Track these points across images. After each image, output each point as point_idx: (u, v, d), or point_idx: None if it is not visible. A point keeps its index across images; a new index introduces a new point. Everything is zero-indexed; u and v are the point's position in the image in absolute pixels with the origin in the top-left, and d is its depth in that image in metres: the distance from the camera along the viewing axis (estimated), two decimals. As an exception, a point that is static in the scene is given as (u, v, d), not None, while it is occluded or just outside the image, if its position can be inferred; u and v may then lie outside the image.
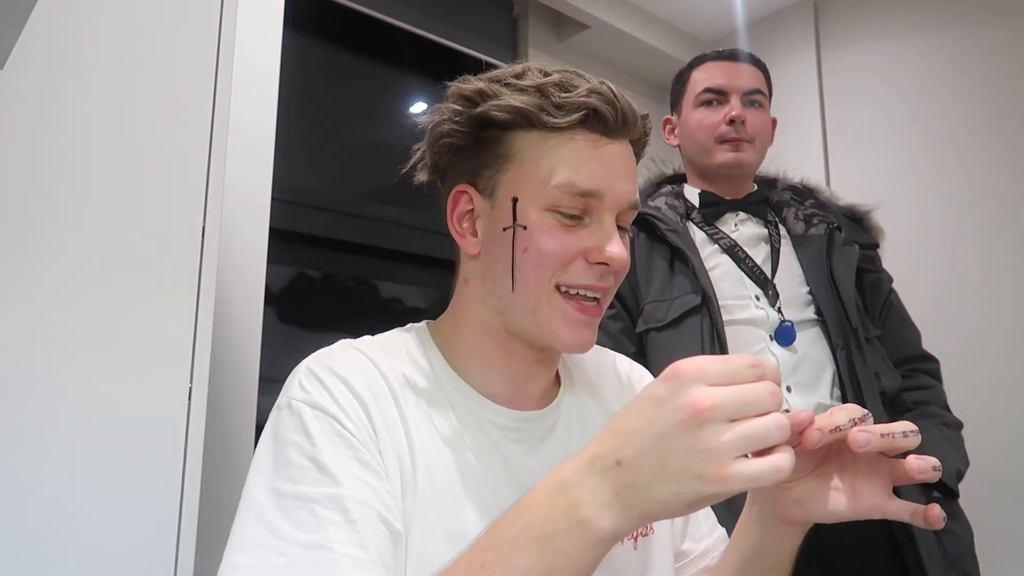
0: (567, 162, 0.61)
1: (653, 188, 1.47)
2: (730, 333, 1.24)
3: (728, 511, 0.75)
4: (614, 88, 0.63)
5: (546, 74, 0.63)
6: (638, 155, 0.68)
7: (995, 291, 2.05)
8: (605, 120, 0.61)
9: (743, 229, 1.34)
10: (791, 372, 1.20)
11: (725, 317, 1.25)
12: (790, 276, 1.28)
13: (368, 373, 0.60)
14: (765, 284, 1.26)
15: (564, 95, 0.61)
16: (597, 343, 0.67)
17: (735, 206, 1.35)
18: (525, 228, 0.61)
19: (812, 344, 1.23)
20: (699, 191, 1.38)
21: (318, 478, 0.53)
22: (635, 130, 0.65)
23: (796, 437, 0.55)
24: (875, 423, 0.51)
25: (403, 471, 0.57)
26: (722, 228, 1.34)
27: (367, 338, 0.67)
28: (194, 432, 0.93)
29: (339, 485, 0.52)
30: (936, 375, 1.32)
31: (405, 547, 0.55)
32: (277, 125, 1.44)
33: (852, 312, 1.23)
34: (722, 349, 1.23)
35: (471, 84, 0.64)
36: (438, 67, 2.30)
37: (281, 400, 0.59)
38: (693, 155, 1.38)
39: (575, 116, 0.61)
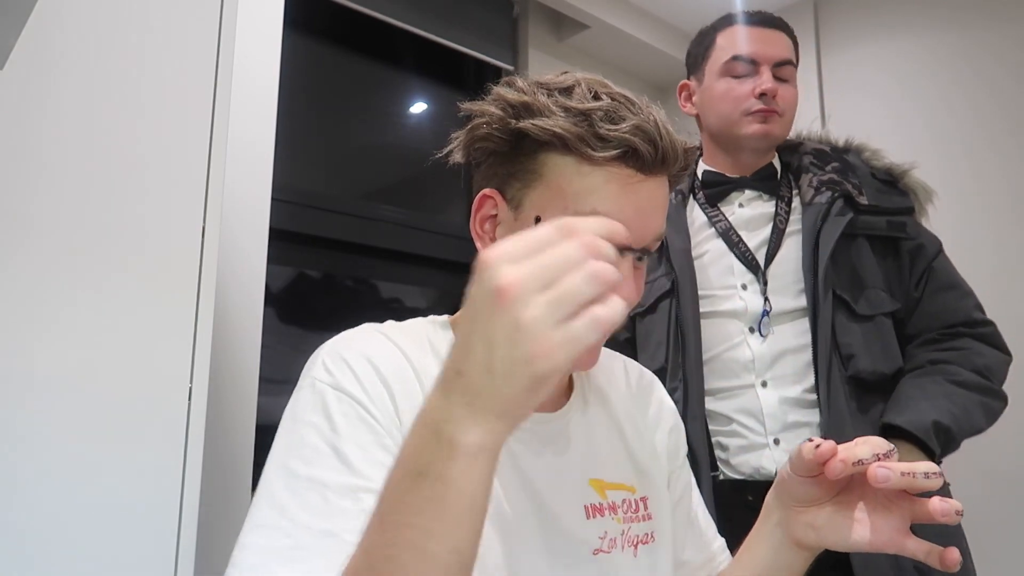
0: (597, 194, 0.59)
1: None
2: (710, 324, 1.19)
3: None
4: (661, 124, 0.60)
5: (596, 96, 0.60)
6: (675, 183, 0.66)
7: (1003, 289, 2.04)
8: (643, 159, 0.59)
9: (748, 208, 1.25)
10: (768, 366, 1.14)
11: (708, 308, 1.19)
12: (793, 260, 1.18)
13: (394, 357, 0.60)
14: (756, 270, 1.18)
15: (609, 127, 0.58)
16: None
17: (741, 184, 1.26)
18: None
19: (800, 335, 1.14)
20: (703, 169, 1.30)
21: (334, 464, 0.52)
22: (674, 167, 0.63)
23: (819, 467, 0.55)
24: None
25: None
26: (724, 209, 1.25)
27: (392, 323, 0.66)
28: (194, 432, 0.93)
29: (355, 474, 0.52)
30: (987, 339, 1.16)
31: None
32: (277, 125, 1.44)
33: (823, 288, 1.12)
34: (684, 340, 1.17)
35: (516, 94, 0.62)
36: (438, 67, 2.30)
37: (302, 381, 0.58)
38: (717, 126, 1.26)
39: (613, 152, 0.58)
